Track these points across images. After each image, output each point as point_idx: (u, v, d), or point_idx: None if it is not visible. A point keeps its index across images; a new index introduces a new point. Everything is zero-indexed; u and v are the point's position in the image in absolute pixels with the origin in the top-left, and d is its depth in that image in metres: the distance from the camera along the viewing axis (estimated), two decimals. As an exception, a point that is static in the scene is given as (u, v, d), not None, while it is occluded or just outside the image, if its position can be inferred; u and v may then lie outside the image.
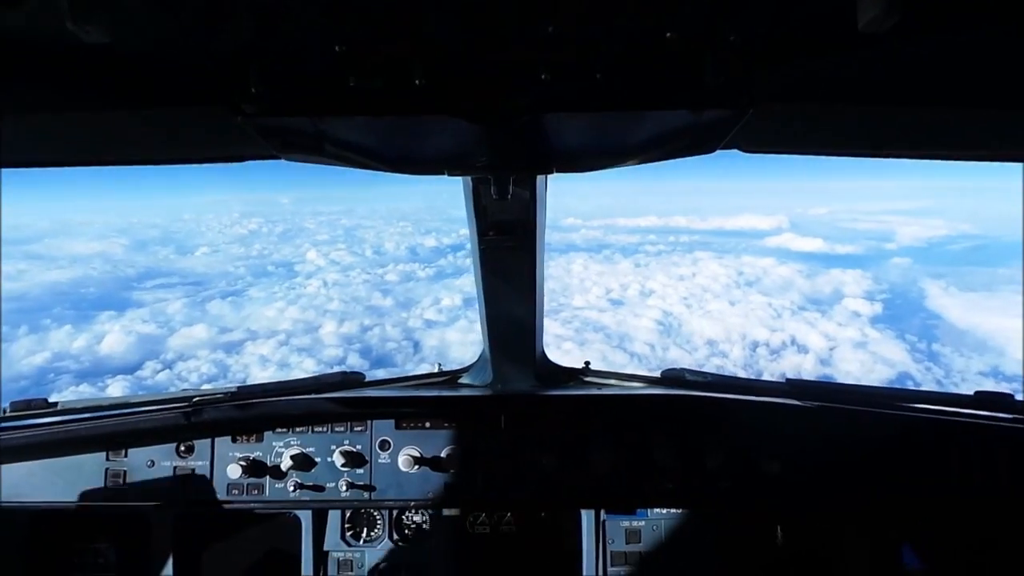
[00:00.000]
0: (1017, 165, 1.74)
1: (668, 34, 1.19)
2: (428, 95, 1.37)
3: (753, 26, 1.20)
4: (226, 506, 3.18)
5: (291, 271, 72.31)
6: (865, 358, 39.63)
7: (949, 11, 1.13)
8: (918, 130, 1.62)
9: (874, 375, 37.20)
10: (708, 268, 61.73)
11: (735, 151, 1.78)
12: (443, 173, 1.87)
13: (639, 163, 1.79)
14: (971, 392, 2.86)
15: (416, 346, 44.38)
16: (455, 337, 44.42)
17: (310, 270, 72.01)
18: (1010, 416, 2.79)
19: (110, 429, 3.10)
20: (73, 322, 49.55)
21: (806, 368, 38.96)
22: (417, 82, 1.33)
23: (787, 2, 1.15)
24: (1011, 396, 2.78)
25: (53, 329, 48.12)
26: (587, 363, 3.71)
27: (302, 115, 1.45)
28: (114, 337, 45.40)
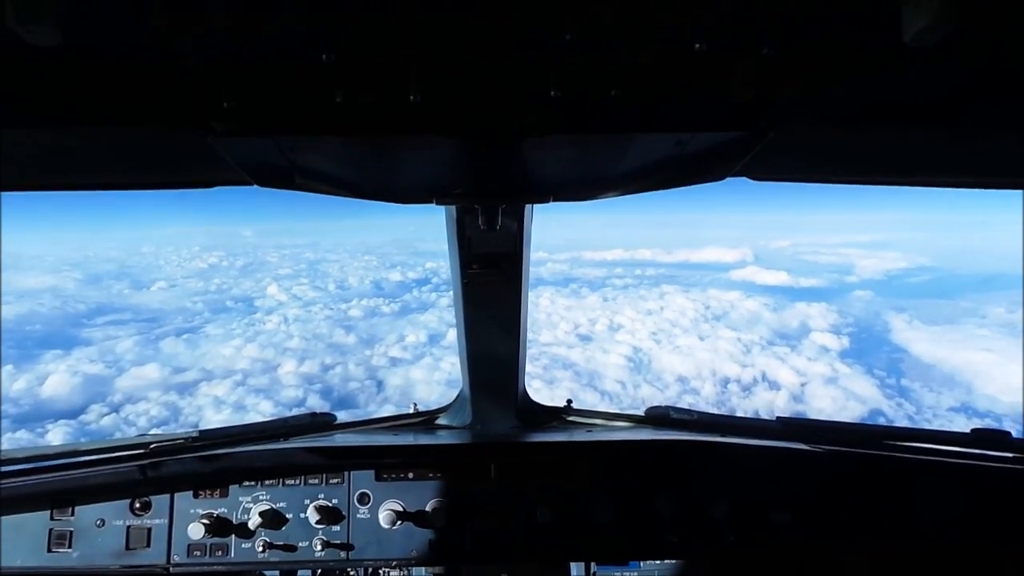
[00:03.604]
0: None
1: (697, 45, 1.08)
2: (423, 112, 1.24)
3: (789, 39, 1.10)
4: (186, 570, 2.85)
5: (251, 306, 70.79)
6: (837, 394, 39.57)
7: (1003, 25, 1.05)
8: (946, 155, 1.55)
9: (847, 412, 37.09)
10: (675, 302, 62.07)
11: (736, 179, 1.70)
12: (431, 202, 1.73)
13: (644, 191, 1.68)
14: (967, 430, 2.78)
15: (380, 385, 43.48)
16: (420, 375, 43.67)
17: (271, 305, 70.69)
18: (1010, 455, 2.72)
19: (57, 484, 2.76)
20: (14, 362, 47.20)
21: (779, 406, 38.68)
22: (412, 97, 1.19)
23: (827, 15, 1.06)
24: (1008, 434, 2.72)
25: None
26: (569, 401, 3.58)
27: (280, 135, 1.30)
28: (58, 378, 42.94)
